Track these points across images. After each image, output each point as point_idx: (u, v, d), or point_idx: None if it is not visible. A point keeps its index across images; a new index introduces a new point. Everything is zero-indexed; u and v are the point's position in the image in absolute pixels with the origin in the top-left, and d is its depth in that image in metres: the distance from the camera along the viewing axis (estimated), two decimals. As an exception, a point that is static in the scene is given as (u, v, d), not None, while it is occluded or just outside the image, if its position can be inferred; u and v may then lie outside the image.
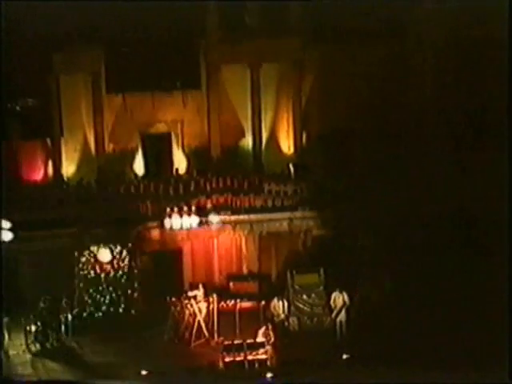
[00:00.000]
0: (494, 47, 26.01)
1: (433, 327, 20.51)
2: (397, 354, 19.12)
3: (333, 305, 21.95)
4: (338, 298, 21.83)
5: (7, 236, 21.90)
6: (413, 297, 21.68)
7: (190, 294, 21.78)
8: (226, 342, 19.71)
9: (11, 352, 20.61)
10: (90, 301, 22.92)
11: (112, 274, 23.13)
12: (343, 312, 21.66)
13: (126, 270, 23.26)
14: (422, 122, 27.41)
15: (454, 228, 23.90)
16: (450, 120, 27.11)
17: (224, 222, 24.84)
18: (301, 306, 22.27)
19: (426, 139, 27.03)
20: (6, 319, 20.92)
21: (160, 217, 24.29)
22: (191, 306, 21.34)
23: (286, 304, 21.94)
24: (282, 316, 21.79)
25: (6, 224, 21.96)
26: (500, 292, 19.47)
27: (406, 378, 17.76)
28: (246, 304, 21.71)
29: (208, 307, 21.25)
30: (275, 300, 21.82)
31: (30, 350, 20.85)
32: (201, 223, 24.48)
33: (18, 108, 26.94)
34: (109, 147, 27.14)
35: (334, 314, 21.79)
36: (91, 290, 22.98)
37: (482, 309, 20.81)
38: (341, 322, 21.65)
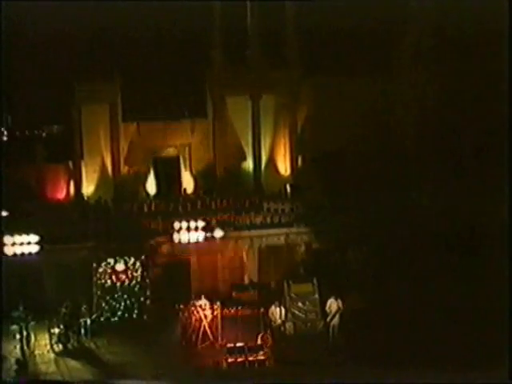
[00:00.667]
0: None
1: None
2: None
3: (328, 310, 22.15)
4: (333, 304, 22.04)
5: (34, 248, 22.58)
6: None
7: (197, 301, 21.91)
8: (229, 345, 20.03)
9: (37, 352, 21.04)
10: (106, 307, 23.09)
11: (126, 283, 23.32)
12: (337, 317, 21.88)
13: (139, 279, 23.46)
14: (405, 145, 28.06)
15: (441, 236, 23.87)
16: (433, 137, 27.29)
17: (227, 237, 25.05)
18: (296, 312, 22.50)
19: (410, 158, 27.54)
20: (32, 323, 21.37)
21: (170, 232, 24.42)
22: (197, 312, 21.59)
23: (282, 311, 22.13)
24: (279, 321, 21.98)
25: (34, 238, 22.63)
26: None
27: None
28: (247, 311, 21.95)
29: (213, 313, 21.47)
30: (273, 307, 22.02)
31: (53, 350, 21.22)
32: (206, 238, 24.61)
33: (43, 134, 27.58)
34: (124, 169, 27.64)
35: (328, 319, 21.99)
36: (108, 298, 23.16)
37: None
38: (334, 325, 21.87)
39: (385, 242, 23.57)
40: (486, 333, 19.58)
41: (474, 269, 22.62)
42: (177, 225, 24.52)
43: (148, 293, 23.57)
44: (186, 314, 21.98)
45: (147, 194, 27.19)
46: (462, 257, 23.17)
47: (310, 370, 18.99)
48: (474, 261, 22.93)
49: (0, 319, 21.10)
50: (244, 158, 28.79)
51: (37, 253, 22.55)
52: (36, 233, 22.58)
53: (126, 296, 23.27)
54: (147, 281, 23.63)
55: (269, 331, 20.38)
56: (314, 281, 22.94)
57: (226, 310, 21.65)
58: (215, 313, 21.48)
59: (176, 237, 24.46)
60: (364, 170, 26.71)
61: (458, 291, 21.92)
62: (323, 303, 22.37)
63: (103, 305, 23.11)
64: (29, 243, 22.47)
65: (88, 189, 27.25)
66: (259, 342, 20.03)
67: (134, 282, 23.41)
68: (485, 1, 25.49)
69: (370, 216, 24.15)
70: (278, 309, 22.15)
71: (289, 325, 22.35)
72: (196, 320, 21.68)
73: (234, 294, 24.56)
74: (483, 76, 26.37)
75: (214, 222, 25.25)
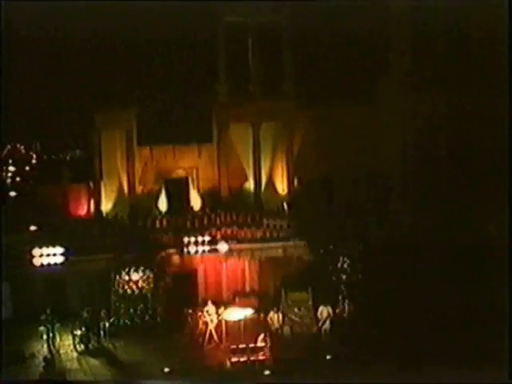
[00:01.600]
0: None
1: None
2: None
3: (319, 316, 22.87)
4: (324, 311, 22.82)
5: (59, 259, 23.32)
6: (393, 309, 21.81)
7: (203, 307, 22.59)
8: (233, 346, 20.43)
9: (62, 351, 21.70)
10: (123, 312, 23.53)
11: (141, 290, 23.72)
12: (328, 322, 22.68)
13: (151, 287, 23.85)
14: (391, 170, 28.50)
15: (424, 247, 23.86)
16: (418, 162, 27.53)
17: (231, 250, 25.54)
18: (292, 317, 23.13)
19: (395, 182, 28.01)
20: (57, 325, 22.05)
21: (179, 245, 25.04)
22: (204, 316, 22.23)
23: (280, 316, 22.81)
24: (278, 325, 22.67)
25: (59, 250, 23.35)
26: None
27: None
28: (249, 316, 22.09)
29: (218, 318, 21.96)
30: (272, 312, 22.75)
31: (76, 350, 21.85)
32: (212, 250, 25.22)
33: (68, 158, 28.25)
34: (138, 189, 28.15)
35: (320, 324, 22.72)
36: (124, 304, 23.58)
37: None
38: (325, 329, 22.63)
39: (368, 256, 23.97)
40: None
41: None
42: (185, 239, 25.09)
43: (160, 299, 23.92)
44: (194, 319, 22.60)
45: (159, 211, 27.61)
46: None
47: (304, 368, 19.38)
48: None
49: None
50: (246, 179, 29.36)
51: (61, 263, 23.23)
52: (61, 245, 23.28)
53: (140, 302, 23.67)
54: (159, 289, 24.01)
55: (268, 334, 20.78)
56: (309, 289, 23.46)
57: (229, 315, 22.16)
58: (220, 317, 21.89)
59: (185, 250, 25.03)
60: (351, 192, 27.25)
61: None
62: (317, 309, 22.90)
63: (120, 310, 23.53)
64: (54, 255, 23.19)
65: (106, 206, 27.79)
66: (259, 343, 20.45)
67: (147, 289, 23.77)
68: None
69: (355, 232, 24.60)
70: (276, 314, 22.86)
71: (286, 328, 22.91)
72: (203, 324, 22.27)
73: (236, 300, 24.87)
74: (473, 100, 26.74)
75: (218, 236, 25.76)
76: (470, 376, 17.25)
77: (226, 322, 21.55)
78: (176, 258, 25.19)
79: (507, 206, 21.58)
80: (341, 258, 24.51)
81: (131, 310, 23.58)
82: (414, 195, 27.02)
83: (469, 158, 27.05)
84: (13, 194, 27.45)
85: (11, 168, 28.14)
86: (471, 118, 27.31)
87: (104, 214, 27.46)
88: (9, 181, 27.83)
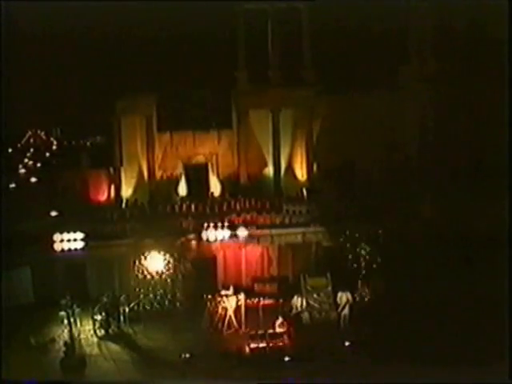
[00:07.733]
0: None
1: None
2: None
3: (338, 301, 22.12)
4: (343, 296, 22.07)
5: (79, 245, 22.78)
6: (411, 296, 21.46)
7: (223, 292, 22.06)
8: (251, 332, 19.93)
9: (82, 336, 21.13)
10: (142, 297, 22.95)
11: (160, 276, 23.04)
12: (347, 308, 21.92)
13: (171, 273, 23.21)
14: (408, 156, 27.80)
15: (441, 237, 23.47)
16: (436, 149, 26.93)
17: (250, 235, 24.91)
18: (312, 303, 22.44)
19: (413, 169, 27.22)
20: (77, 310, 21.54)
21: (199, 231, 24.40)
22: (223, 302, 21.63)
23: (299, 301, 22.10)
24: (297, 311, 21.93)
25: (79, 235, 22.82)
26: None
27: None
28: (268, 301, 21.85)
29: (237, 303, 21.46)
30: (291, 298, 21.93)
31: (96, 335, 21.31)
32: (231, 236, 24.55)
33: (88, 144, 27.77)
34: (158, 174, 27.65)
35: (339, 309, 21.96)
36: (144, 289, 22.98)
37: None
38: (345, 315, 21.85)
39: (388, 242, 23.27)
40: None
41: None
42: (205, 224, 24.39)
43: (179, 284, 23.30)
44: (213, 304, 21.88)
45: (179, 196, 27.01)
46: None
47: (323, 354, 18.76)
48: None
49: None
50: (265, 165, 28.72)
51: (82, 248, 22.74)
52: (81, 231, 22.77)
53: (159, 287, 23.09)
54: (179, 274, 23.37)
55: (287, 320, 20.19)
56: (328, 275, 22.81)
57: (248, 301, 21.57)
58: (239, 303, 21.43)
59: (204, 235, 24.39)
60: (371, 178, 26.57)
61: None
62: (336, 295, 22.19)
63: (140, 295, 22.96)
64: (75, 240, 22.68)
65: (126, 192, 27.33)
66: (278, 329, 19.86)
67: (166, 275, 23.05)
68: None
69: (375, 218, 23.81)
70: (295, 300, 22.13)
71: (305, 314, 22.25)
72: (222, 309, 21.64)
73: (255, 286, 24.45)
74: (484, 89, 25.92)
75: (238, 221, 25.09)
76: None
77: (246, 307, 20.97)
78: (195, 244, 24.48)
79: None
80: (359, 243, 23.55)
81: (151, 296, 22.96)
82: (435, 180, 26.06)
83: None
84: (34, 179, 27.08)
85: (32, 154, 27.86)
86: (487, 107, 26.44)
87: (124, 200, 26.87)
88: (30, 167, 27.55)
